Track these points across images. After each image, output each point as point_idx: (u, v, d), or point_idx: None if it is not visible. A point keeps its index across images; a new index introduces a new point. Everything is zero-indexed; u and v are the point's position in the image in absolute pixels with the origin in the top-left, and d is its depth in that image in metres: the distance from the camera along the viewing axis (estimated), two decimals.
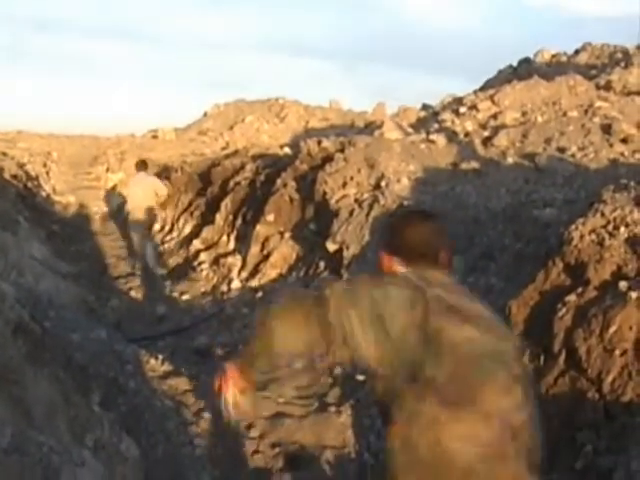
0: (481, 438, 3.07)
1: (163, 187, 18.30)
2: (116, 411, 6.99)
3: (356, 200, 14.79)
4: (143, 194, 17.23)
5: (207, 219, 19.94)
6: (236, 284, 15.77)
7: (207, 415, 8.43)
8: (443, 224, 4.09)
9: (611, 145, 16.43)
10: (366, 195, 14.79)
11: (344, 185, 15.37)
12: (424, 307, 3.18)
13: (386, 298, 3.25)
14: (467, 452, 3.07)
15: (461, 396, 3.12)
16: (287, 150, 22.14)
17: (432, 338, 3.13)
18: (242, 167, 20.83)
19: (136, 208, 17.33)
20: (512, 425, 3.15)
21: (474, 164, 15.95)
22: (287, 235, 15.96)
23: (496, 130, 18.60)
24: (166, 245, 20.86)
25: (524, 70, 30.49)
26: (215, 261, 17.55)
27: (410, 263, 3.51)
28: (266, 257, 15.88)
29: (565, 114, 18.98)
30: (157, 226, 23.06)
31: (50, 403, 5.28)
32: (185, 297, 15.99)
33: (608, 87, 21.60)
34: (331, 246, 14.04)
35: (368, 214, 14.03)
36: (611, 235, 7.96)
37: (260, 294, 14.79)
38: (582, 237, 8.19)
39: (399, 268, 3.56)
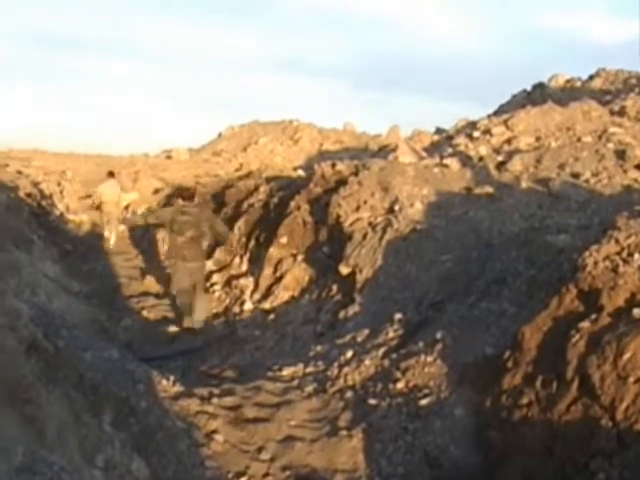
0: (183, 250, 15.30)
1: (120, 193, 26.57)
2: (127, 431, 6.98)
3: (370, 224, 14.79)
4: (110, 193, 25.19)
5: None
6: (248, 306, 15.78)
7: (219, 437, 8.43)
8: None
9: (625, 171, 16.41)
10: (380, 219, 14.79)
11: (358, 209, 15.38)
12: (174, 213, 15.75)
13: (164, 209, 20.10)
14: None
15: (179, 233, 15.25)
16: (301, 172, 22.18)
17: (174, 220, 15.34)
18: (256, 189, 20.87)
19: (105, 202, 25.01)
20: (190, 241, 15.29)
21: (488, 189, 15.94)
22: (300, 258, 15.96)
23: (510, 155, 18.60)
24: None
25: (538, 95, 30.51)
26: (227, 282, 17.56)
27: (185, 201, 16.26)
28: (279, 279, 15.88)
29: (579, 139, 18.96)
30: (166, 247, 23.15)
31: (62, 422, 5.28)
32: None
33: (622, 113, 21.58)
34: (344, 269, 14.03)
35: (381, 238, 14.02)
36: (625, 262, 7.93)
37: (272, 316, 14.79)
38: (596, 263, 8.16)
39: (182, 202, 16.31)
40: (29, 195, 23.22)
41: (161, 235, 21.57)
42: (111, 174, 26.16)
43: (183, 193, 17.44)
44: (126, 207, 29.65)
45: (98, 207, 25.34)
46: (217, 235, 16.34)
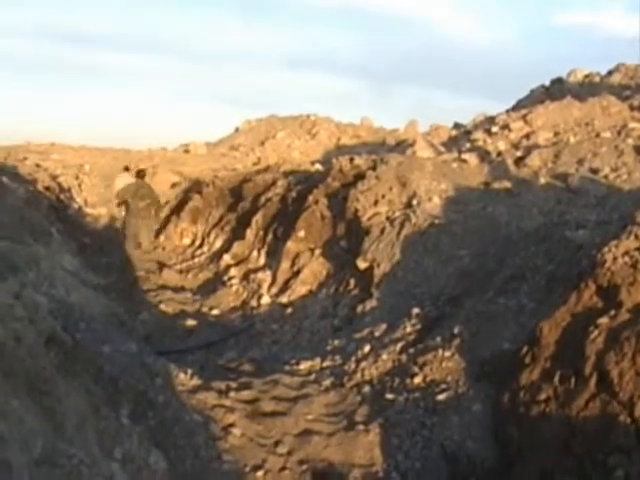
0: (141, 212, 21.47)
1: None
2: (145, 424, 7.00)
3: (387, 218, 14.78)
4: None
5: (238, 234, 19.98)
6: (266, 300, 15.79)
7: (236, 431, 8.44)
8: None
9: None
10: (398, 213, 14.78)
11: (376, 203, 15.37)
12: (137, 186, 21.30)
13: (129, 184, 21.79)
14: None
15: (141, 199, 21.23)
16: (319, 167, 22.14)
17: (137, 191, 21.26)
18: (273, 183, 20.87)
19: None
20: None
21: (506, 184, 15.89)
22: (317, 252, 15.96)
23: (528, 150, 18.53)
24: (196, 259, 20.92)
25: (557, 90, 30.36)
26: (245, 276, 17.57)
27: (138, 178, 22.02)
28: (296, 273, 15.89)
29: (598, 135, 18.88)
30: (187, 240, 23.23)
31: (80, 415, 5.30)
32: (215, 312, 16.03)
33: None
34: (362, 264, 14.03)
35: (399, 232, 14.01)
36: None
37: (290, 310, 14.79)
38: (615, 259, 8.13)
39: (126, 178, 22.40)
40: (47, 188, 23.24)
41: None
42: (126, 169, 26.92)
43: (139, 172, 22.56)
44: None
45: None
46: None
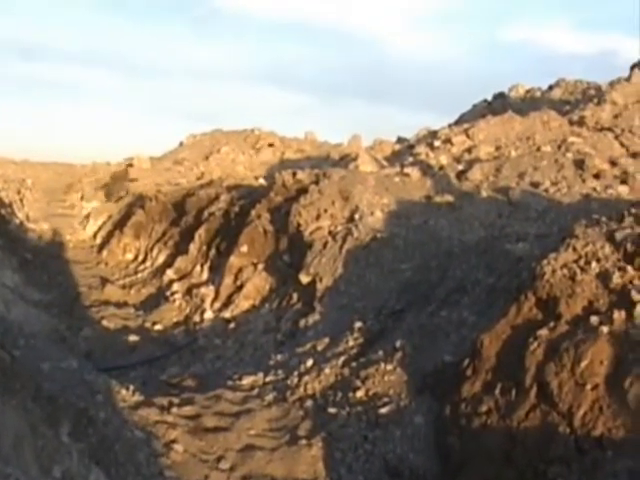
0: None
1: None
2: (86, 442, 6.92)
3: (330, 232, 14.81)
4: None
5: (181, 249, 19.89)
6: (209, 315, 15.73)
7: (178, 447, 8.38)
8: None
9: (584, 180, 16.57)
10: (340, 227, 14.82)
11: (318, 217, 15.39)
12: None
13: None
14: None
15: None
16: (262, 181, 22.16)
17: None
18: (217, 197, 20.82)
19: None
20: None
21: (448, 197, 16.03)
22: (260, 266, 15.93)
23: (470, 164, 18.70)
24: (139, 275, 20.77)
25: (499, 105, 30.73)
26: (188, 291, 17.48)
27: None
28: (239, 288, 15.84)
29: (539, 149, 19.11)
30: (130, 255, 23.07)
31: (17, 433, 5.22)
32: (157, 327, 15.91)
33: (581, 123, 21.75)
34: (304, 278, 14.04)
35: (342, 246, 14.04)
36: (582, 270, 7.99)
37: (233, 325, 14.75)
38: (554, 272, 8.22)
39: None
40: None
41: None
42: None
43: None
44: (87, 216, 29.50)
45: None
46: None
